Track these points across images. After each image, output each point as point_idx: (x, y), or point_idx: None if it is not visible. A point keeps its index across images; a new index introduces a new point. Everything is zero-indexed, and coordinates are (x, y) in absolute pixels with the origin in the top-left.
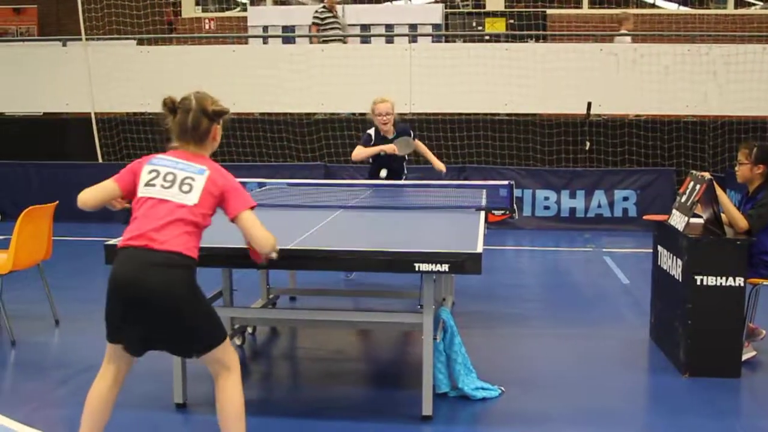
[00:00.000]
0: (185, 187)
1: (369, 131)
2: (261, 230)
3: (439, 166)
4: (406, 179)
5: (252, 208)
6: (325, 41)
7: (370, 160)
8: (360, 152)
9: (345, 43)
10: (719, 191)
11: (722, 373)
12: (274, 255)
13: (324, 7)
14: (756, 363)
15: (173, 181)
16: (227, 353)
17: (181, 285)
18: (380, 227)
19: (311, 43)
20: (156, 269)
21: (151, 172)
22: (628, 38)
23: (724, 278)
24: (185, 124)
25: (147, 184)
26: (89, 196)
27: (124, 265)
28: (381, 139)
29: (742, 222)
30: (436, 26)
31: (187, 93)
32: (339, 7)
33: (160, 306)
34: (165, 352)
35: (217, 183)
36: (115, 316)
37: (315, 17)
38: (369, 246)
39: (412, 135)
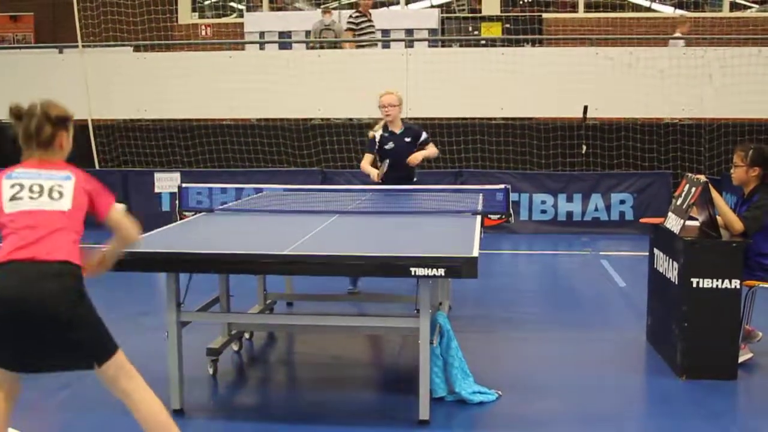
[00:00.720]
0: (55, 195)
1: (374, 132)
2: (130, 220)
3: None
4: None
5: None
6: (360, 46)
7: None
8: (363, 167)
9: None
10: (714, 194)
11: (719, 376)
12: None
13: (358, 11)
14: (752, 365)
15: (41, 191)
16: (125, 362)
17: (73, 294)
18: (376, 232)
19: (311, 47)
20: (46, 281)
21: (13, 186)
22: (681, 41)
23: (720, 281)
24: (28, 129)
25: (13, 198)
26: None
27: (9, 280)
28: (389, 135)
29: (737, 224)
30: (432, 31)
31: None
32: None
33: (53, 318)
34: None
35: (85, 187)
36: None
37: (350, 22)
38: (365, 251)
39: (423, 137)
